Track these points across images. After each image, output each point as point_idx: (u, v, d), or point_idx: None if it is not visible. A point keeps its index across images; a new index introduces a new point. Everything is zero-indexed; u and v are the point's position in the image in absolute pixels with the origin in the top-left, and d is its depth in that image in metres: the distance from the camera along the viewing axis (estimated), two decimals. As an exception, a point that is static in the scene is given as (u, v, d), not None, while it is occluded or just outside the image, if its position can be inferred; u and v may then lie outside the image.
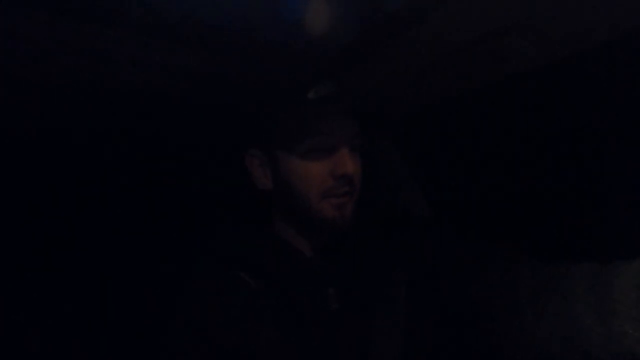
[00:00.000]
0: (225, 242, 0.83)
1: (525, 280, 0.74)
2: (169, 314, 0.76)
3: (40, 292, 1.14)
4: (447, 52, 0.90)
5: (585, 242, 0.92)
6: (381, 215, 1.01)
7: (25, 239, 1.15)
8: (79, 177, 1.18)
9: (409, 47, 0.90)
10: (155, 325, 0.80)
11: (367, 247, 0.87)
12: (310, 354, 0.74)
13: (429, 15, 0.80)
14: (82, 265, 1.20)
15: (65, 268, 1.18)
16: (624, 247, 0.74)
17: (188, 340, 0.73)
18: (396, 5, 0.78)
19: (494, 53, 0.88)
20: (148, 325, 0.87)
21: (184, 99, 0.99)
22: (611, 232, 0.89)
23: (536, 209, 1.04)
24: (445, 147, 1.22)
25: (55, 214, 1.18)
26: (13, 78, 0.84)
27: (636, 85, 0.85)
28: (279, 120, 0.79)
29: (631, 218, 0.87)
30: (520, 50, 0.86)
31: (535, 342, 0.71)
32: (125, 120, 1.06)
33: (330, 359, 0.76)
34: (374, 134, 1.22)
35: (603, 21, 0.75)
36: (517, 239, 0.85)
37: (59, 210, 1.19)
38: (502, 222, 1.08)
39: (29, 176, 1.12)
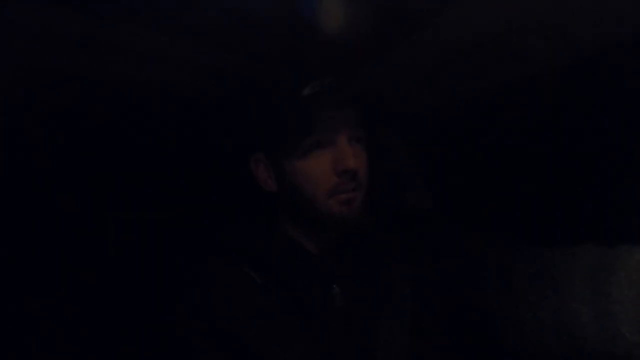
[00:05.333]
0: (233, 239, 0.83)
1: (522, 271, 0.74)
2: (175, 309, 0.76)
3: (44, 289, 1.14)
4: (461, 50, 0.90)
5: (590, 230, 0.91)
6: (388, 211, 1.02)
7: (40, 235, 1.15)
8: (87, 173, 1.19)
9: (422, 45, 0.91)
10: (161, 321, 0.80)
11: (373, 244, 0.87)
12: (315, 352, 0.74)
13: (443, 14, 0.80)
14: (90, 263, 1.20)
15: (70, 265, 1.18)
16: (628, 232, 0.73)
17: (194, 335, 0.73)
18: (410, 3, 0.78)
19: (508, 52, 0.88)
20: (154, 321, 0.87)
21: (195, 96, 1.00)
22: (615, 220, 0.89)
23: (546, 207, 1.04)
24: (452, 144, 1.22)
25: (65, 209, 1.18)
26: (36, 73, 0.84)
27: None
28: (278, 122, 0.79)
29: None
30: (535, 50, 0.86)
31: (531, 336, 0.72)
32: (134, 117, 1.07)
33: (335, 357, 0.75)
34: (381, 130, 1.22)
35: (622, 21, 0.75)
36: (522, 235, 0.85)
37: (68, 206, 1.19)
38: (509, 220, 1.09)
39: (45, 170, 1.13)
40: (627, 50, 0.80)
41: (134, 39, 0.80)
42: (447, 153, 1.24)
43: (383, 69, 0.98)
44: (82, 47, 0.79)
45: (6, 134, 0.98)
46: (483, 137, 1.14)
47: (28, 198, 1.12)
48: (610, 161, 0.91)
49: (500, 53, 0.89)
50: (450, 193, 1.25)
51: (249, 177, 0.85)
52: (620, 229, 0.76)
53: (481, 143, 1.15)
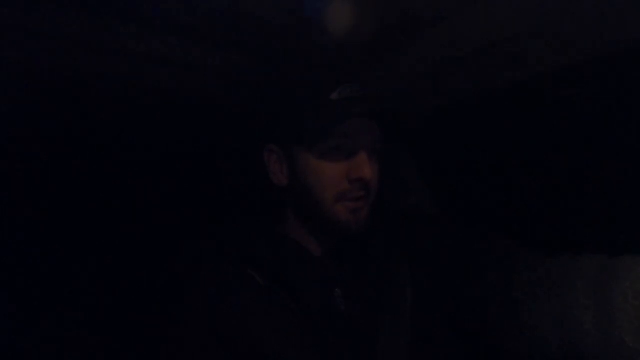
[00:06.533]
0: (235, 240, 0.83)
1: (524, 278, 0.74)
2: (176, 310, 0.76)
3: (44, 289, 1.14)
4: (463, 55, 0.90)
5: (593, 236, 0.91)
6: (390, 214, 1.02)
7: (43, 237, 1.15)
8: (88, 173, 1.18)
9: (425, 49, 0.91)
10: (163, 322, 0.80)
11: (375, 247, 0.87)
12: (316, 355, 0.74)
13: (447, 18, 0.80)
14: (91, 263, 1.20)
15: (70, 266, 1.18)
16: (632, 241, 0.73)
17: (195, 337, 0.73)
18: (415, 8, 0.78)
19: (510, 56, 0.88)
20: (156, 322, 0.87)
21: (203, 96, 1.00)
22: (620, 227, 0.88)
23: (549, 213, 1.03)
24: (455, 147, 1.22)
25: (64, 210, 1.18)
26: (36, 73, 0.85)
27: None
28: (302, 119, 0.78)
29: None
30: (536, 54, 0.86)
31: (532, 343, 0.71)
32: (141, 116, 1.07)
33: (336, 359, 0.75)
34: (386, 134, 1.22)
35: (619, 25, 0.75)
36: (525, 239, 0.84)
37: (67, 207, 1.19)
38: (511, 224, 1.08)
39: (45, 171, 1.13)
40: (627, 53, 0.80)
41: (138, 40, 0.80)
42: (449, 155, 1.24)
43: (385, 72, 0.98)
44: (82, 48, 0.79)
45: (6, 134, 0.98)
46: (484, 140, 1.13)
47: (28, 198, 1.12)
48: (614, 166, 0.91)
49: (502, 56, 0.89)
50: (452, 195, 1.25)
51: (254, 175, 0.85)
52: (624, 237, 0.75)
53: (482, 145, 1.15)
